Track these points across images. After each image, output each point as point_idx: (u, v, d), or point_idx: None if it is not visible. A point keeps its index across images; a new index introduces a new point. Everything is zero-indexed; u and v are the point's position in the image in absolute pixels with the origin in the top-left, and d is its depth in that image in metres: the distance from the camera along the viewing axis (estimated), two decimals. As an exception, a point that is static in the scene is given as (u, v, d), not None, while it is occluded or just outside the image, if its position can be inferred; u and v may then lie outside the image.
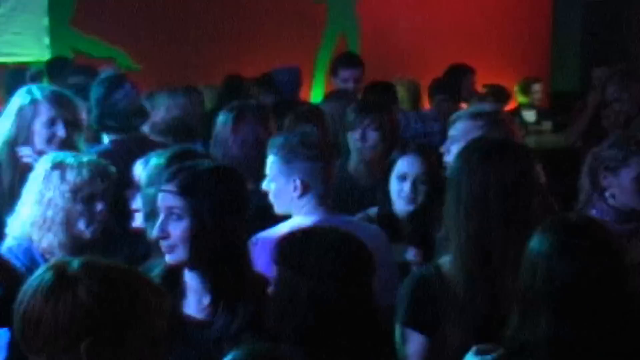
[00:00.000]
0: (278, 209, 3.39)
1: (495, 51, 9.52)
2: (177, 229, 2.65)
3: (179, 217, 2.65)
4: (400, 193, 3.80)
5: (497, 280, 2.79)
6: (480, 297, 2.79)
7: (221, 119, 4.11)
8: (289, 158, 3.33)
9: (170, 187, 2.67)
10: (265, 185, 3.40)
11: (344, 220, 3.31)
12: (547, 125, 8.12)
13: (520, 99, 8.68)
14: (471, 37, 9.65)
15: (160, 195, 2.71)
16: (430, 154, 3.89)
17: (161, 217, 2.68)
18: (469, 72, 7.35)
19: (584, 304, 2.48)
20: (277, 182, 3.36)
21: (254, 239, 3.06)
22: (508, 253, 2.76)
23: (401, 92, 7.10)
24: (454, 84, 6.96)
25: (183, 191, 2.64)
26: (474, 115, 3.69)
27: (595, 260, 2.49)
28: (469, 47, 9.31)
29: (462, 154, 2.96)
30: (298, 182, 3.31)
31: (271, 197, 3.39)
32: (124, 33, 8.57)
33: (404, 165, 3.83)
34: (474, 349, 2.59)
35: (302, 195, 3.32)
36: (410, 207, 3.80)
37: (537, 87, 8.68)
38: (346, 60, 6.46)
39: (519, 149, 2.98)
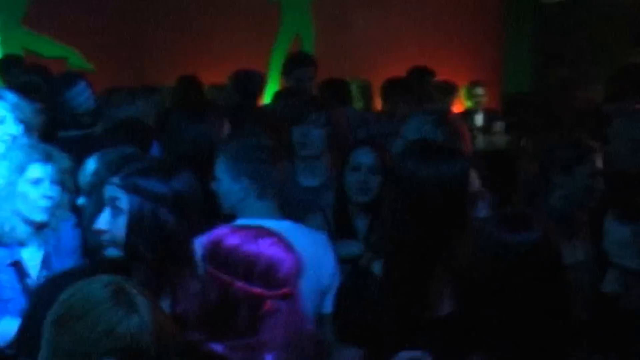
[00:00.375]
0: (225, 209, 3.42)
1: (447, 53, 9.58)
2: (119, 223, 2.63)
3: (121, 211, 2.63)
4: (355, 184, 3.85)
5: (430, 282, 2.77)
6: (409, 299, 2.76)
7: (175, 117, 4.08)
8: (237, 159, 3.36)
9: (115, 180, 2.66)
10: (214, 185, 3.43)
11: (287, 224, 3.32)
12: (498, 126, 8.14)
13: (467, 103, 8.74)
14: (424, 39, 9.72)
15: (106, 188, 2.70)
16: (383, 150, 3.94)
17: (105, 210, 2.67)
18: (430, 74, 7.36)
19: (520, 298, 2.46)
20: (224, 182, 3.39)
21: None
22: (440, 255, 2.74)
23: (354, 91, 7.13)
24: (414, 85, 6.97)
25: (126, 184, 2.63)
26: (426, 114, 3.74)
27: (537, 255, 2.50)
28: (421, 48, 9.38)
29: (402, 153, 2.98)
30: (245, 184, 3.34)
31: (218, 197, 3.42)
32: (77, 33, 8.49)
33: (357, 156, 3.89)
34: (401, 354, 2.60)
35: (246, 197, 3.36)
36: (365, 199, 3.85)
37: (479, 90, 8.70)
38: (298, 59, 6.46)
39: (456, 153, 2.95)
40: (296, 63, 6.28)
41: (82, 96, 4.32)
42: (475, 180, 2.91)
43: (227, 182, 3.38)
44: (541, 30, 10.01)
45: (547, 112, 5.52)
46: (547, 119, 5.55)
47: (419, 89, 6.88)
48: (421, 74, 7.30)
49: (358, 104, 7.28)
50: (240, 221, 3.31)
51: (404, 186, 2.81)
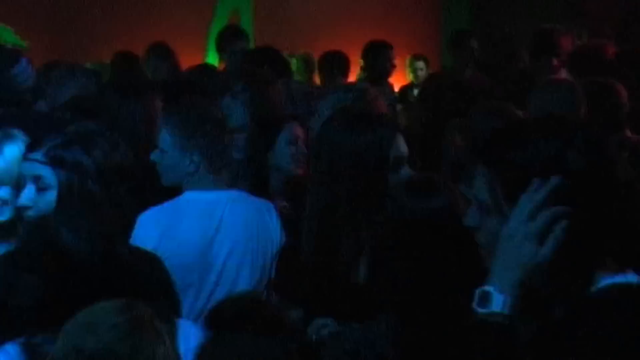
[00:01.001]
0: (167, 181, 3.38)
1: (387, 28, 9.55)
2: (44, 201, 2.53)
3: (46, 188, 2.54)
4: (293, 156, 3.75)
5: (342, 252, 2.80)
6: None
7: (110, 94, 3.95)
8: (186, 132, 3.29)
9: (36, 155, 2.56)
10: (156, 157, 3.36)
11: (235, 194, 3.36)
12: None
13: (409, 76, 8.70)
14: (363, 14, 9.68)
15: (26, 165, 2.60)
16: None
17: (28, 187, 2.57)
18: (387, 48, 7.10)
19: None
20: (172, 155, 3.32)
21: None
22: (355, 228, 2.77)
23: (296, 65, 7.06)
24: (368, 60, 6.85)
25: (50, 160, 2.53)
26: (345, 91, 3.69)
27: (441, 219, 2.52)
28: (360, 23, 9.33)
29: (323, 125, 2.99)
30: (195, 157, 3.28)
31: (161, 169, 3.37)
32: (8, 9, 8.27)
33: (292, 130, 3.79)
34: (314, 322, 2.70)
35: (196, 170, 3.30)
36: (300, 171, 3.75)
37: (420, 64, 8.67)
38: (230, 32, 6.35)
39: (378, 119, 2.96)
40: (228, 37, 6.18)
41: (25, 73, 4.17)
42: (402, 145, 2.90)
43: (174, 156, 3.31)
44: (479, 5, 10.05)
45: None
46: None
47: (375, 64, 6.77)
48: (378, 48, 7.05)
49: (302, 77, 7.22)
50: (188, 194, 3.30)
51: (327, 154, 2.85)
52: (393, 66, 6.98)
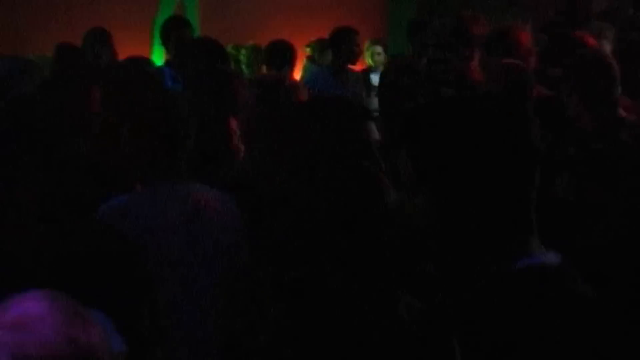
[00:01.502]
0: None
1: (333, 16, 9.54)
2: None
3: None
4: None
5: None
6: None
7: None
8: None
9: None
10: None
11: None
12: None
13: (368, 61, 8.69)
14: (309, 2, 9.66)
15: None
16: None
17: None
18: (353, 33, 7.04)
19: None
20: None
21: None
22: None
23: (246, 56, 7.06)
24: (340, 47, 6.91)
25: None
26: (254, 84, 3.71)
27: None
28: (307, 12, 9.31)
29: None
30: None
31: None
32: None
33: None
34: None
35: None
36: None
37: (378, 48, 8.70)
38: (173, 22, 6.26)
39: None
40: (172, 27, 6.09)
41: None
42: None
43: None
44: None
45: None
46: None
47: (342, 49, 6.86)
48: (344, 33, 7.05)
49: (250, 69, 7.20)
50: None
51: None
52: (360, 51, 7.05)
